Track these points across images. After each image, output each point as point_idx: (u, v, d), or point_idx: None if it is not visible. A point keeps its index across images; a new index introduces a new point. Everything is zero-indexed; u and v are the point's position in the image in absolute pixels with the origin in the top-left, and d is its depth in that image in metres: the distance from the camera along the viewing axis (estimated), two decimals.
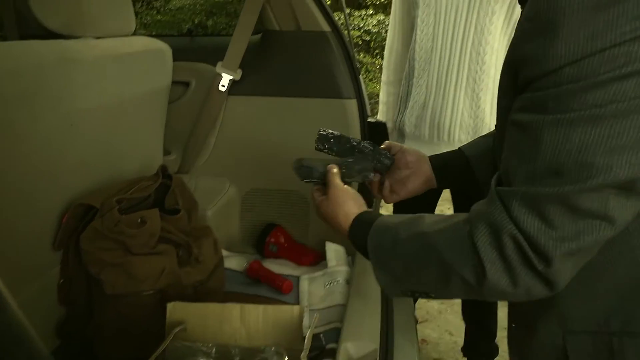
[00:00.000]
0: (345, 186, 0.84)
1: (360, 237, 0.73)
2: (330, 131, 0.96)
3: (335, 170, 0.86)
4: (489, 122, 1.39)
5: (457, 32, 1.35)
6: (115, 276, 0.96)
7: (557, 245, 0.52)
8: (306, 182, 0.89)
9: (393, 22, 1.53)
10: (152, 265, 0.98)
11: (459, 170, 0.92)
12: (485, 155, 0.89)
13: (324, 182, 0.86)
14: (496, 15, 1.33)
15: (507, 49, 1.13)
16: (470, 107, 1.38)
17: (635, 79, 0.46)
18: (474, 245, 0.57)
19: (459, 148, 0.95)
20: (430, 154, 1.44)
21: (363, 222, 0.75)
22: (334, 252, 1.41)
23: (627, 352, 0.62)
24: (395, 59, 1.55)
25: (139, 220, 0.98)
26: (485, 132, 1.39)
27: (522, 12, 0.59)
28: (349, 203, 0.80)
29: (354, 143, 0.95)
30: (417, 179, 0.93)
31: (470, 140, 1.40)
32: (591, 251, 0.55)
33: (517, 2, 0.67)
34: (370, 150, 0.95)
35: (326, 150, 0.96)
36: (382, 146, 0.97)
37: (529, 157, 0.52)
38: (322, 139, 0.96)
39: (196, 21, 5.20)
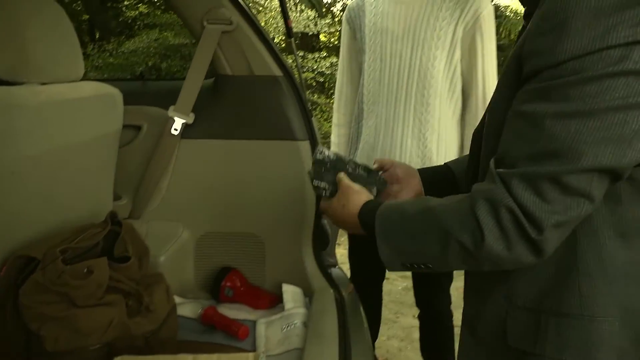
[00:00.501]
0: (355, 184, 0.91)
1: (369, 216, 0.79)
2: (327, 154, 0.97)
3: (343, 174, 0.94)
4: (436, 160, 1.45)
5: (402, 76, 1.42)
6: (57, 331, 0.91)
7: (549, 217, 0.60)
8: (317, 194, 0.97)
9: (341, 67, 1.60)
10: (98, 317, 0.94)
11: (446, 184, 0.98)
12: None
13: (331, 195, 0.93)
14: (438, 59, 1.42)
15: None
16: (418, 147, 1.44)
17: (625, 78, 0.54)
18: (474, 214, 0.65)
19: (445, 164, 1.01)
20: None
21: (373, 204, 0.83)
22: (291, 293, 1.40)
23: (550, 330, 0.68)
24: (344, 102, 1.60)
25: (85, 271, 0.94)
26: None
27: (526, 26, 0.69)
28: (359, 194, 0.88)
29: (350, 170, 0.97)
30: (407, 193, 0.98)
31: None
32: (573, 225, 0.63)
33: (523, 15, 0.76)
34: (365, 176, 0.97)
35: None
36: (375, 165, 0.99)
37: (531, 142, 0.60)
38: (319, 166, 0.96)
39: (150, 64, 5.19)
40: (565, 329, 0.67)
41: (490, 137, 0.72)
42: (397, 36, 1.43)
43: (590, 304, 0.66)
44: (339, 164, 0.97)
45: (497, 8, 7.10)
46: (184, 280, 1.50)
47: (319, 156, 0.96)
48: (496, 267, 0.68)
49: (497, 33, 5.73)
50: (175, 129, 1.44)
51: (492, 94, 1.44)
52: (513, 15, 6.54)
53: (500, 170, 0.64)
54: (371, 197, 0.89)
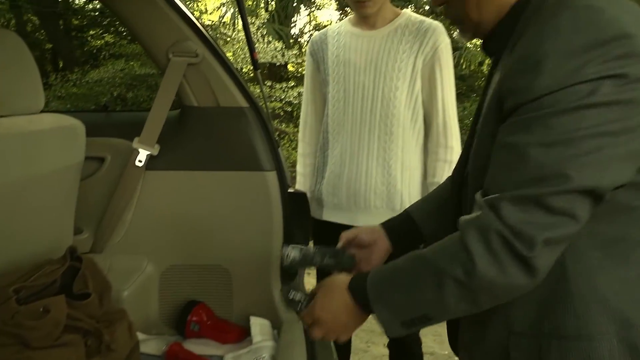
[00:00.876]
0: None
1: (359, 283, 0.78)
2: (293, 255, 0.99)
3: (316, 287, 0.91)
4: (400, 188, 1.48)
5: (365, 106, 1.46)
6: None
7: (538, 234, 0.63)
8: (294, 308, 0.91)
9: (306, 98, 1.63)
10: (54, 359, 0.89)
11: (410, 233, 1.00)
12: (431, 214, 0.99)
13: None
14: (399, 90, 1.47)
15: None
16: (382, 175, 1.47)
17: (596, 109, 0.59)
18: (464, 245, 0.67)
19: (405, 210, 1.03)
20: (348, 221, 1.49)
21: (359, 277, 0.81)
22: (259, 326, 1.37)
23: (552, 353, 0.69)
24: (309, 132, 1.63)
25: (41, 310, 0.90)
26: (397, 198, 1.48)
27: (494, 63, 0.76)
28: (340, 277, 0.85)
29: (317, 263, 0.99)
30: (378, 254, 0.99)
31: (385, 206, 1.48)
32: (562, 245, 0.66)
33: (485, 53, 0.80)
34: (333, 263, 0.99)
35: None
36: (340, 243, 1.01)
37: (516, 170, 0.64)
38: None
39: (115, 94, 5.12)
40: (566, 350, 0.69)
41: (476, 172, 0.75)
42: (359, 68, 1.47)
43: (586, 324, 0.68)
44: (306, 260, 0.99)
45: (458, 40, 7.42)
46: (148, 316, 1.45)
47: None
48: (493, 299, 0.69)
49: (458, 64, 5.96)
50: (140, 161, 1.42)
51: (452, 121, 1.50)
52: (472, 47, 6.84)
53: (487, 197, 0.67)
54: (348, 277, 0.85)
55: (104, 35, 6.74)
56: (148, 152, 1.42)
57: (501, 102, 0.68)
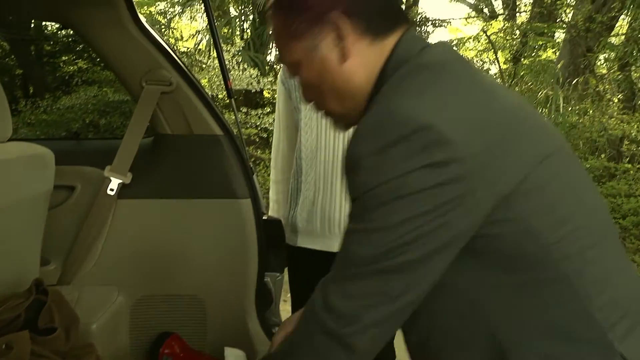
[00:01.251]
0: None
1: None
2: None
3: None
4: None
5: (337, 133, 1.47)
6: None
7: (356, 312, 0.65)
8: None
9: (277, 125, 1.64)
10: None
11: None
12: None
13: None
14: None
15: None
16: None
17: (409, 198, 0.62)
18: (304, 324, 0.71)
19: None
20: (323, 247, 1.49)
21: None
22: (234, 357, 1.34)
23: None
24: (282, 159, 1.63)
25: (4, 347, 0.86)
26: None
27: None
28: None
29: None
30: None
31: None
32: (385, 324, 0.67)
33: None
34: None
35: None
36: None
37: (341, 256, 0.69)
38: None
39: (87, 120, 5.05)
40: None
41: None
42: None
43: None
44: None
45: None
46: (118, 349, 1.40)
47: None
48: None
49: None
50: (112, 189, 1.40)
51: None
52: None
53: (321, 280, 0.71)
54: None
55: (77, 61, 6.68)
56: (120, 181, 1.40)
57: None
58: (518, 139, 0.66)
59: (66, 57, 6.70)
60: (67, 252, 1.42)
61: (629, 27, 6.14)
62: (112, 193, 1.40)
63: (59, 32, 6.73)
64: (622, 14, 5.77)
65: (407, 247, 0.63)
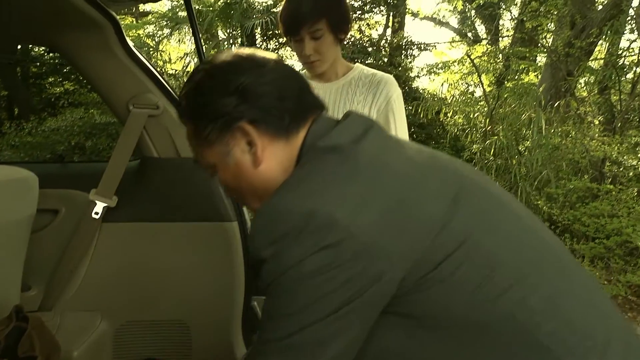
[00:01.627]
0: None
1: None
2: None
3: None
4: None
5: None
6: None
7: None
8: None
9: None
10: None
11: None
12: None
13: None
14: None
15: None
16: None
17: (303, 286, 0.63)
18: None
19: None
20: None
21: None
22: None
23: None
24: None
25: None
26: None
27: None
28: None
29: None
30: None
31: None
32: None
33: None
34: None
35: None
36: None
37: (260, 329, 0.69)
38: None
39: (73, 143, 5.00)
40: None
41: None
42: None
43: None
44: None
45: (416, 90, 7.76)
46: None
47: None
48: None
49: (416, 112, 6.14)
50: (97, 213, 1.39)
51: None
52: (430, 97, 7.16)
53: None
54: None
55: (64, 82, 6.65)
56: (105, 204, 1.38)
57: None
58: (417, 203, 0.66)
59: (52, 79, 6.67)
60: (49, 277, 1.39)
61: (606, 52, 6.34)
62: (97, 216, 1.38)
63: (46, 54, 6.72)
64: (600, 39, 5.96)
65: (316, 325, 0.64)
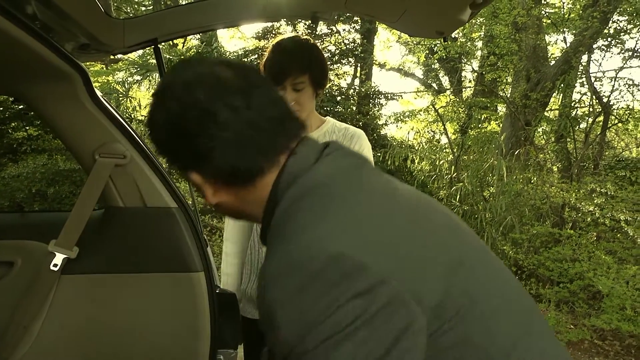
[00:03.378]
0: None
1: None
2: None
3: None
4: None
5: None
6: None
7: None
8: None
9: None
10: None
11: None
12: None
13: None
14: None
15: None
16: None
17: (345, 345, 0.55)
18: None
19: None
20: None
21: None
22: None
23: None
24: (237, 231, 1.62)
25: None
26: None
27: None
28: None
29: None
30: None
31: None
32: None
33: None
34: None
35: None
36: None
37: None
38: None
39: (34, 190, 4.84)
40: None
41: None
42: None
43: None
44: None
45: (384, 137, 7.96)
46: None
47: None
48: None
49: (384, 159, 6.27)
50: (55, 265, 1.33)
51: None
52: (397, 144, 7.36)
53: None
54: None
55: (27, 128, 6.51)
56: (65, 256, 1.34)
57: None
58: (426, 246, 0.64)
59: (15, 123, 6.52)
60: (0, 333, 1.31)
61: (560, 103, 6.73)
62: (55, 269, 1.33)
63: (9, 99, 6.59)
64: (553, 92, 6.34)
65: None
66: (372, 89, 8.51)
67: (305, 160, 0.70)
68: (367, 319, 0.56)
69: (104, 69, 7.98)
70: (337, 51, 8.27)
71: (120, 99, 7.61)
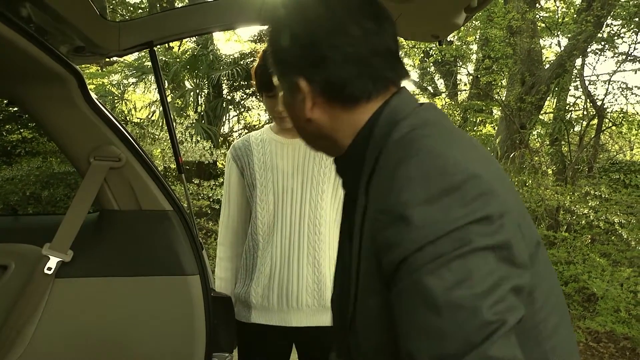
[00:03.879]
0: None
1: None
2: None
3: None
4: (329, 284, 1.48)
5: (295, 208, 1.50)
6: None
7: None
8: None
9: (227, 201, 1.63)
10: None
11: None
12: None
13: None
14: (325, 193, 1.54)
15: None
16: (314, 273, 1.49)
17: (475, 256, 0.56)
18: None
19: None
20: (279, 322, 1.46)
21: None
22: None
23: None
24: (231, 236, 1.62)
25: None
26: (327, 293, 1.48)
27: (356, 200, 0.72)
28: None
29: None
30: None
31: (316, 303, 1.47)
32: None
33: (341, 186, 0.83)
34: None
35: None
36: None
37: (427, 339, 0.56)
38: None
39: (28, 193, 4.81)
40: None
41: (364, 329, 0.69)
42: (287, 173, 1.54)
43: None
44: None
45: None
46: None
47: None
48: None
49: None
50: (50, 268, 1.32)
51: None
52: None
53: None
54: None
55: (22, 130, 6.48)
56: (59, 259, 1.33)
57: (379, 258, 0.63)
58: (522, 205, 0.69)
59: (9, 126, 6.49)
60: None
61: (554, 107, 6.77)
62: (49, 272, 1.32)
63: (3, 101, 6.57)
64: (548, 95, 6.38)
65: (502, 315, 0.55)
66: None
67: (409, 101, 0.73)
68: (497, 243, 0.58)
69: (99, 71, 7.97)
70: None
71: (116, 101, 7.60)
